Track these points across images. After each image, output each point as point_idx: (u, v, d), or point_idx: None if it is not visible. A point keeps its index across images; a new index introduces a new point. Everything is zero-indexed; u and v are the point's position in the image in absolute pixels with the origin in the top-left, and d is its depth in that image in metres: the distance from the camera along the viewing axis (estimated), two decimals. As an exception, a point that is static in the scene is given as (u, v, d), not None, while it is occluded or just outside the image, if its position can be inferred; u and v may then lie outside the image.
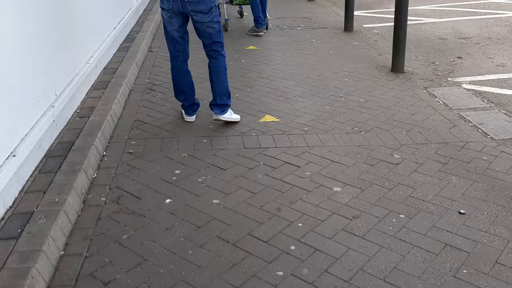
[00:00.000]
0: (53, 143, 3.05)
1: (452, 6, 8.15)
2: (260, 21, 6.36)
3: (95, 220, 2.48)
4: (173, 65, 3.58)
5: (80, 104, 3.71)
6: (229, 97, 3.59)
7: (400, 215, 2.52)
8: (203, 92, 4.18)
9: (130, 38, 5.75)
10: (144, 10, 7.49)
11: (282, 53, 5.58)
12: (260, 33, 6.36)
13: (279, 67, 5.05)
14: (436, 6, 8.20)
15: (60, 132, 3.20)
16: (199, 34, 3.44)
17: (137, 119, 3.74)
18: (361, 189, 2.76)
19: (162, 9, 3.40)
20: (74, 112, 3.55)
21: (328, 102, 4.10)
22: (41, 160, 2.85)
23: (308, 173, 2.94)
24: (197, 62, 4.93)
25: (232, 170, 2.97)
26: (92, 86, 4.08)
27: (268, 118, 3.79)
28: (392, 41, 4.86)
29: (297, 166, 3.02)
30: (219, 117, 3.56)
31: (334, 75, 4.80)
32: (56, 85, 3.19)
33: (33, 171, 2.71)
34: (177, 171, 2.96)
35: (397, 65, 4.85)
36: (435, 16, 7.48)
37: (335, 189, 2.77)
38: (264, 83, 4.57)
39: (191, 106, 3.69)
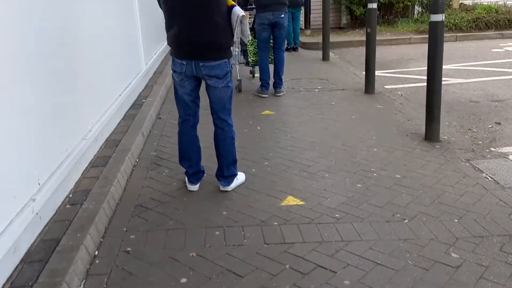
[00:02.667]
0: (34, 242, 2.51)
1: (476, 66, 7.74)
2: (265, 85, 6.13)
3: None
4: (181, 128, 3.36)
5: (74, 186, 3.21)
6: (235, 164, 3.44)
7: None
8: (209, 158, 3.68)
9: (138, 104, 5.34)
10: (154, 73, 7.16)
11: (301, 118, 5.12)
12: (263, 95, 6.10)
13: (299, 135, 4.56)
14: (460, 66, 7.79)
15: (45, 226, 2.67)
16: (210, 98, 3.25)
17: (138, 204, 3.21)
18: (419, 308, 2.15)
19: (174, 71, 3.22)
20: (66, 197, 3.03)
21: (359, 178, 3.56)
22: (16, 267, 2.30)
23: (347, 282, 2.34)
24: (204, 127, 4.46)
25: (252, 278, 2.38)
26: (90, 163, 3.59)
27: (291, 200, 3.25)
28: (419, 104, 4.42)
29: (332, 271, 2.42)
30: (227, 189, 3.40)
31: (361, 144, 4.28)
32: (39, 173, 2.67)
33: (3, 285, 2.16)
34: (183, 280, 2.37)
35: (431, 133, 4.33)
36: (461, 76, 7.04)
37: (385, 307, 2.16)
38: (283, 155, 4.06)
39: (195, 174, 3.43)
